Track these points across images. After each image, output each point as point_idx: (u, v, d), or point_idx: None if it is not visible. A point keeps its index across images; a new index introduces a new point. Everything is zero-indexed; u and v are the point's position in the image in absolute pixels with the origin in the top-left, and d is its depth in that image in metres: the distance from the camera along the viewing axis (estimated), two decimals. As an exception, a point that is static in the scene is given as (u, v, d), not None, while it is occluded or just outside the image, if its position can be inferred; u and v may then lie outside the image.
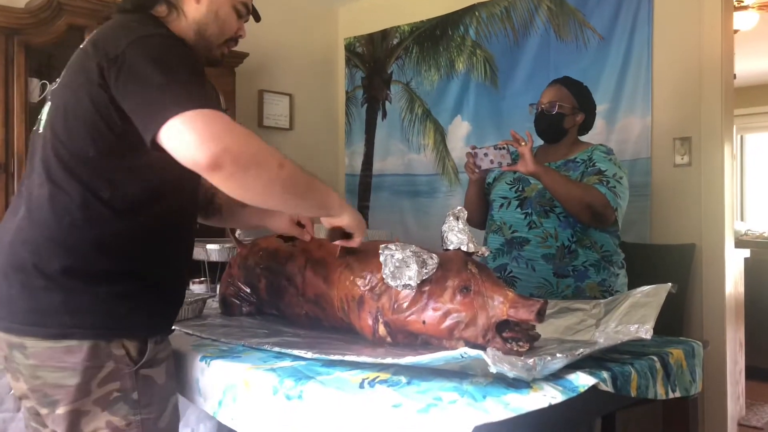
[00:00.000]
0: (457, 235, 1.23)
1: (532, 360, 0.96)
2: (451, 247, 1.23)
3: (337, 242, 1.32)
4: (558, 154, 2.06)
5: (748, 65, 5.37)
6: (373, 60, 3.86)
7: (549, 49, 3.07)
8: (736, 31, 3.12)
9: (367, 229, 1.35)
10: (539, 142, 2.09)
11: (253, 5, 1.29)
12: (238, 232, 1.90)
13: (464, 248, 1.21)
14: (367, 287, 1.29)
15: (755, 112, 6.17)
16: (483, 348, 1.03)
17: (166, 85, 1.00)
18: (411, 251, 1.18)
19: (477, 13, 3.36)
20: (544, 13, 3.09)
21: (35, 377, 1.08)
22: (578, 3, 2.97)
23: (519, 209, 1.99)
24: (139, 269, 1.13)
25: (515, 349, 1.11)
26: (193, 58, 1.11)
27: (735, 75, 2.81)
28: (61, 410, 1.08)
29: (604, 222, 1.89)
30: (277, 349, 1.26)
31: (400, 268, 1.17)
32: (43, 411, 1.11)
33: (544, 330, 1.25)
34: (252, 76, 3.49)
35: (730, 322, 2.63)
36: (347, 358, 1.12)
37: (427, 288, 1.18)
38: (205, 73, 1.14)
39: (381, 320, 1.25)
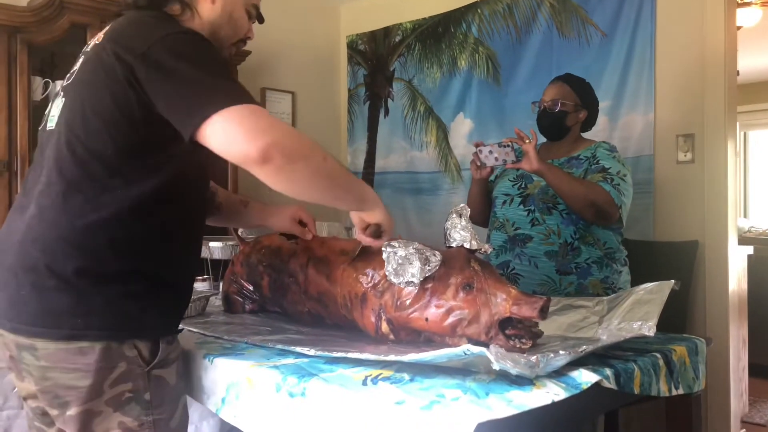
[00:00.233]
0: (460, 233, 1.23)
1: (535, 357, 0.96)
2: (454, 245, 1.23)
3: (366, 241, 1.29)
4: (561, 152, 2.06)
5: (752, 62, 5.35)
6: (376, 57, 3.86)
7: (551, 46, 3.06)
8: (739, 28, 3.11)
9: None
10: (542, 139, 2.09)
11: None
12: (240, 229, 1.91)
13: (467, 245, 1.21)
14: (370, 284, 1.29)
15: (758, 108, 6.16)
16: (486, 345, 1.03)
17: (204, 81, 1.00)
18: (414, 248, 1.18)
19: (479, 11, 3.35)
20: (546, 10, 3.08)
21: (45, 378, 1.07)
22: (581, 0, 2.96)
23: (522, 206, 1.99)
24: (153, 269, 1.11)
25: (518, 346, 1.11)
26: (221, 55, 1.12)
27: (738, 71, 2.80)
28: (72, 411, 1.07)
29: (608, 219, 1.89)
30: (280, 346, 1.26)
31: (403, 265, 1.18)
32: (54, 412, 1.10)
33: (547, 327, 1.25)
34: (254, 74, 3.49)
35: (734, 319, 2.63)
36: (350, 355, 1.12)
37: (430, 285, 1.18)
38: None
39: (384, 317, 1.25)
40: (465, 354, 0.95)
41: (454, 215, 1.25)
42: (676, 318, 2.47)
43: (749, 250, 3.18)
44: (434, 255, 1.18)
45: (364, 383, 1.02)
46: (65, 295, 1.04)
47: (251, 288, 1.70)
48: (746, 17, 3.93)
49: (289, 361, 1.17)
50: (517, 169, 2.06)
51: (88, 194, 1.06)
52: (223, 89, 1.00)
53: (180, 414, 1.17)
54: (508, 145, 1.89)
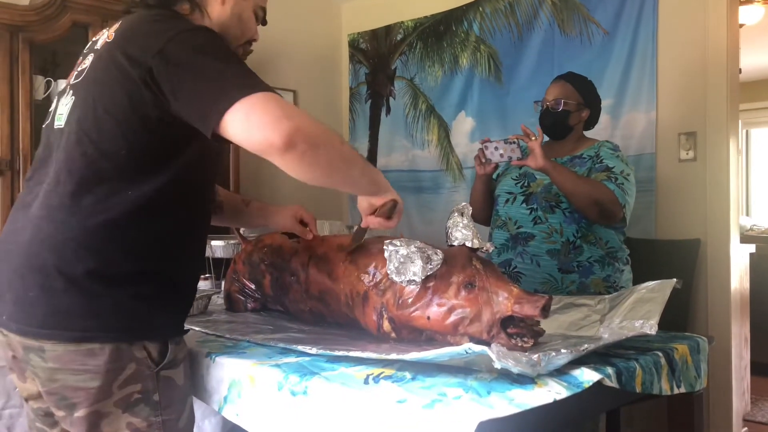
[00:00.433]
0: (461, 231, 1.22)
1: (536, 356, 0.96)
2: (455, 243, 1.23)
3: (376, 223, 1.28)
4: (564, 151, 2.05)
5: (754, 60, 5.34)
6: (377, 56, 3.86)
7: (553, 45, 3.06)
8: (741, 26, 3.10)
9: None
10: (545, 138, 2.09)
11: None
12: (242, 228, 1.91)
13: (469, 244, 1.21)
14: (372, 283, 1.30)
15: (761, 106, 6.15)
16: (487, 344, 1.03)
17: (224, 73, 0.99)
18: (416, 247, 1.18)
19: (481, 9, 3.34)
20: (548, 8, 3.08)
21: (53, 380, 1.06)
22: (583, -3, 2.96)
23: (524, 205, 1.99)
24: (162, 270, 1.11)
25: (520, 344, 1.11)
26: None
27: (740, 69, 2.79)
28: (80, 413, 1.06)
29: (612, 219, 1.88)
30: (281, 344, 1.26)
31: (405, 263, 1.18)
32: (60, 413, 1.09)
33: (548, 326, 1.25)
34: (256, 73, 3.49)
35: (736, 318, 2.63)
36: (352, 353, 1.12)
37: (431, 284, 1.18)
38: None
39: (385, 316, 1.25)
40: (467, 353, 0.95)
41: (456, 214, 1.25)
42: (678, 316, 2.47)
43: (751, 248, 3.17)
44: (436, 253, 1.19)
45: (366, 382, 1.02)
46: (75, 297, 1.03)
47: (253, 287, 1.70)
48: (748, 15, 3.92)
49: (291, 359, 1.18)
50: (520, 168, 2.06)
51: (99, 195, 1.05)
52: (242, 79, 1.00)
53: (187, 414, 1.17)
54: (514, 142, 1.90)
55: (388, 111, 3.80)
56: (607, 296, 1.44)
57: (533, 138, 1.88)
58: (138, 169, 1.07)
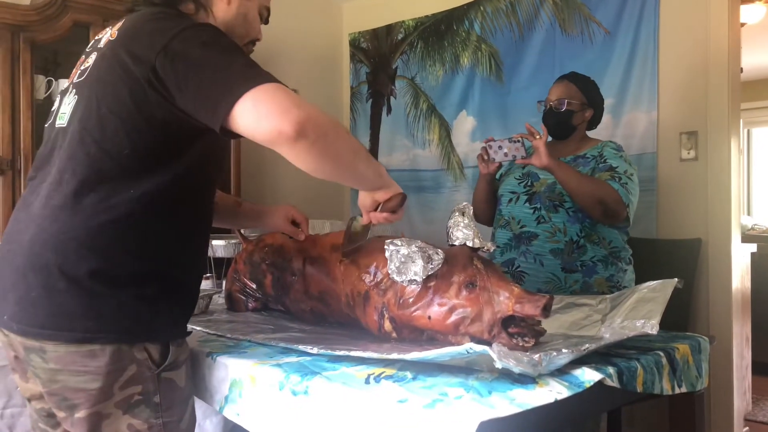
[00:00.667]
0: (462, 231, 1.22)
1: (537, 355, 0.96)
2: (456, 243, 1.23)
3: (381, 218, 1.26)
4: (567, 150, 2.05)
5: (755, 59, 5.34)
6: (378, 55, 3.86)
7: (554, 44, 3.06)
8: (742, 25, 3.10)
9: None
10: (548, 138, 2.09)
11: None
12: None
13: (470, 244, 1.21)
14: (373, 283, 1.29)
15: (762, 106, 6.14)
16: (488, 343, 1.03)
17: (231, 66, 0.99)
18: (416, 246, 1.18)
19: (482, 8, 3.34)
20: (549, 7, 3.07)
21: (54, 381, 1.05)
22: (584, -3, 2.95)
23: (528, 204, 1.99)
24: (165, 271, 1.10)
25: (521, 344, 1.11)
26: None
27: (742, 69, 2.79)
28: (81, 414, 1.06)
29: (616, 218, 1.88)
30: (282, 344, 1.26)
31: (406, 263, 1.17)
32: (61, 414, 1.08)
33: (549, 325, 1.25)
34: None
35: (737, 317, 2.63)
36: (353, 353, 1.12)
37: (432, 283, 1.18)
38: None
39: (387, 315, 1.25)
40: (468, 352, 0.95)
41: (457, 213, 1.25)
42: (679, 316, 2.47)
43: (752, 247, 3.17)
44: (437, 253, 1.18)
45: (367, 381, 1.02)
46: (77, 298, 1.02)
47: (254, 286, 1.70)
48: (750, 14, 3.92)
49: (292, 359, 1.18)
50: (524, 167, 2.06)
51: (102, 194, 1.04)
52: (249, 72, 0.99)
53: (189, 416, 1.17)
54: (519, 141, 1.89)
55: (389, 110, 3.80)
56: (608, 296, 1.44)
57: (538, 137, 1.88)
58: (141, 168, 1.06)
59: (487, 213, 2.15)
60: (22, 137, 2.52)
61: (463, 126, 3.44)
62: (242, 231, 1.85)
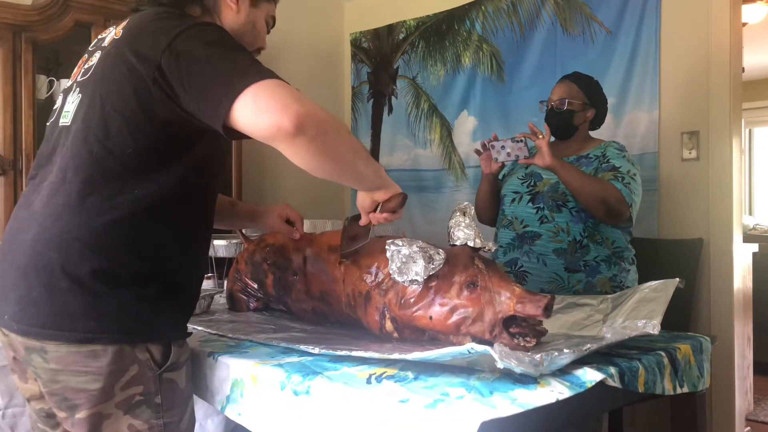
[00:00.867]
0: (463, 231, 1.22)
1: (539, 355, 0.96)
2: (457, 243, 1.23)
3: (381, 218, 1.26)
4: (570, 151, 2.05)
5: (757, 59, 5.33)
6: (379, 55, 3.86)
7: (555, 44, 3.05)
8: (744, 24, 3.10)
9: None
10: (551, 137, 2.09)
11: None
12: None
13: (471, 244, 1.21)
14: (374, 283, 1.29)
15: (763, 105, 6.13)
16: (490, 343, 1.03)
17: (233, 64, 0.99)
18: (418, 247, 1.18)
19: (483, 8, 3.34)
20: (550, 7, 3.07)
21: (55, 381, 1.05)
22: (585, -4, 2.95)
23: (531, 204, 1.99)
24: (168, 271, 1.10)
25: (522, 344, 1.11)
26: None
27: (743, 68, 2.79)
28: (82, 414, 1.05)
29: (619, 218, 1.88)
30: (284, 344, 1.26)
31: (407, 263, 1.17)
32: (62, 414, 1.08)
33: (551, 325, 1.25)
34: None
35: (738, 317, 2.62)
36: (354, 353, 1.12)
37: (433, 283, 1.18)
38: None
39: (388, 316, 1.25)
40: (469, 352, 0.95)
41: (458, 213, 1.25)
42: (681, 316, 2.46)
43: (754, 247, 3.17)
44: (438, 253, 1.18)
45: (369, 381, 1.02)
46: (79, 297, 1.02)
47: (255, 286, 1.70)
48: (751, 14, 3.91)
49: (294, 359, 1.18)
50: (527, 167, 2.06)
51: (105, 194, 1.04)
52: (251, 68, 0.99)
53: (188, 417, 1.17)
54: (522, 140, 1.89)
55: (390, 110, 3.80)
56: (609, 296, 1.44)
57: (540, 136, 1.88)
58: (145, 168, 1.06)
59: (490, 213, 2.15)
60: (23, 137, 2.52)
61: (465, 126, 3.44)
62: (243, 231, 1.85)
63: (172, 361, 1.11)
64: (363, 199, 1.25)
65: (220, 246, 2.09)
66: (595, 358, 1.10)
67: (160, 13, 1.12)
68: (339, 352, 1.14)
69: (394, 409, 0.91)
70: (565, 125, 2.05)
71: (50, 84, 2.62)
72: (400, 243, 1.19)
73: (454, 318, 1.15)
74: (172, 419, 1.11)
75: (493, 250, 1.24)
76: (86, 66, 1.15)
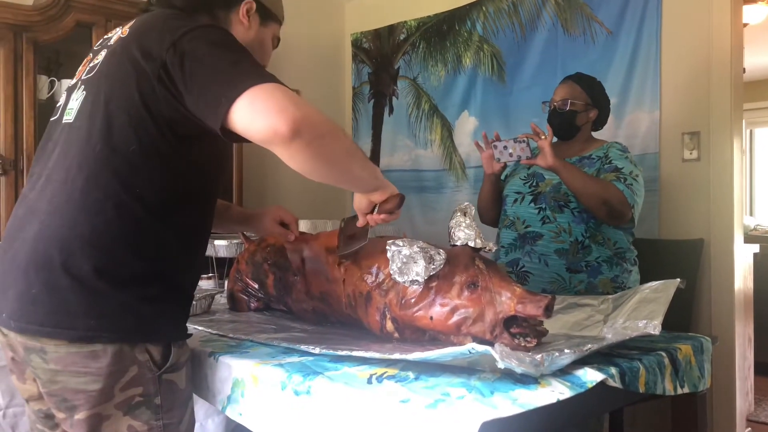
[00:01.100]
0: (464, 231, 1.22)
1: (540, 356, 0.96)
2: (458, 243, 1.23)
3: (379, 219, 1.25)
4: (572, 151, 2.06)
5: (758, 59, 5.33)
6: (380, 55, 3.86)
7: (556, 44, 3.05)
8: (745, 25, 3.10)
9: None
10: (554, 138, 2.09)
11: None
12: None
13: (471, 244, 1.21)
14: (375, 283, 1.30)
15: (764, 106, 6.13)
16: (491, 344, 1.03)
17: (236, 66, 0.99)
18: (418, 247, 1.18)
19: (484, 8, 3.34)
20: (551, 7, 3.07)
21: (54, 382, 1.04)
22: (586, -3, 2.95)
23: (533, 204, 1.99)
24: (167, 272, 1.10)
25: (523, 344, 1.11)
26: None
27: (744, 69, 2.79)
28: (81, 415, 1.05)
29: (621, 219, 1.88)
30: (285, 344, 1.26)
31: (408, 263, 1.17)
32: (60, 415, 1.08)
33: (552, 326, 1.25)
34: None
35: (739, 318, 2.62)
36: (355, 353, 1.12)
37: (434, 284, 1.18)
38: None
39: (389, 316, 1.25)
40: (470, 352, 0.95)
41: (459, 213, 1.25)
42: (682, 316, 2.46)
43: (755, 248, 3.16)
44: (438, 253, 1.18)
45: (369, 381, 1.02)
46: (80, 296, 1.01)
47: (256, 286, 1.70)
48: (752, 14, 3.91)
49: (294, 359, 1.18)
50: (529, 168, 2.06)
51: (108, 192, 1.03)
52: (252, 71, 0.99)
53: (188, 417, 1.17)
54: (524, 141, 1.89)
55: (391, 110, 3.80)
56: (610, 296, 1.44)
57: (543, 137, 1.88)
58: (149, 167, 1.06)
59: (492, 213, 2.15)
60: (24, 137, 2.53)
61: (465, 126, 3.44)
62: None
63: (172, 362, 1.10)
64: (360, 201, 1.25)
65: (220, 246, 2.09)
66: (596, 359, 1.10)
67: (168, 14, 1.12)
68: (340, 352, 1.14)
69: (395, 409, 0.91)
70: (567, 126, 2.05)
71: (51, 84, 2.63)
72: (401, 243, 1.19)
73: (455, 318, 1.15)
74: (172, 420, 1.11)
75: (493, 251, 1.24)
76: (91, 64, 1.15)
